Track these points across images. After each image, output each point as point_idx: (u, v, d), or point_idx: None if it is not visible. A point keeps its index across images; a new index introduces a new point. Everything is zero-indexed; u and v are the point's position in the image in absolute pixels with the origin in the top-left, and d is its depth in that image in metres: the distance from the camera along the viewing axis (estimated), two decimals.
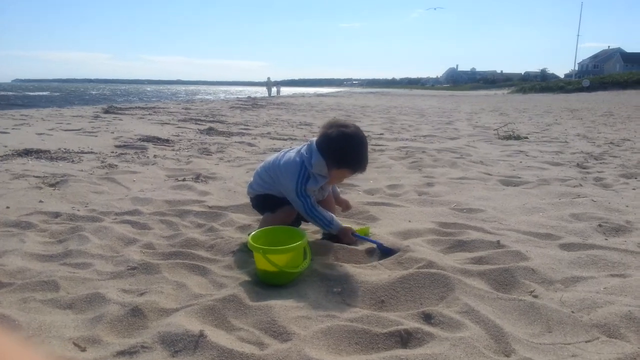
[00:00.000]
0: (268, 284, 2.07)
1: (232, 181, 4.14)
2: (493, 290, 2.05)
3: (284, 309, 1.79)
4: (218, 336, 1.59)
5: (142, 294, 1.93)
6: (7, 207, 3.10)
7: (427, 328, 1.69)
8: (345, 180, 3.13)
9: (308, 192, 2.43)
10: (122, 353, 1.51)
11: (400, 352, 1.53)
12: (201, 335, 1.55)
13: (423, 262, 2.24)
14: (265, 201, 2.59)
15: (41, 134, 7.12)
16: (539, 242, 2.72)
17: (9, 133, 7.10)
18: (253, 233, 2.26)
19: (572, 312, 1.86)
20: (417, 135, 8.61)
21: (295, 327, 1.68)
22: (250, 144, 6.80)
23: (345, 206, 2.91)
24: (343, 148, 2.37)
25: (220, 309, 1.79)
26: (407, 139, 7.88)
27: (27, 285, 1.97)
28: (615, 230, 2.93)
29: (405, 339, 1.64)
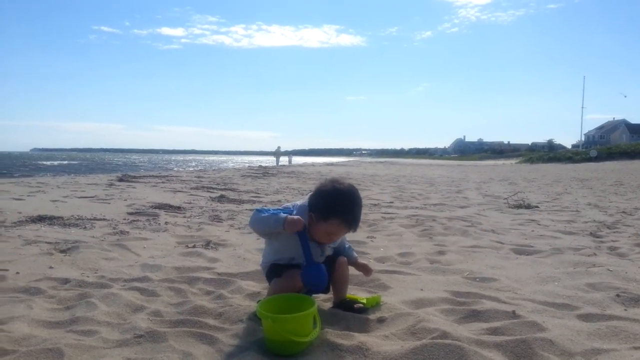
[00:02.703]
0: (277, 353, 2.00)
1: (241, 248, 4.13)
2: None
3: None
4: None
5: None
6: (17, 273, 3.10)
7: None
8: (356, 248, 3.09)
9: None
10: None
11: None
12: None
13: (437, 333, 2.18)
14: (272, 270, 2.58)
15: (55, 200, 7.24)
16: (556, 312, 2.63)
17: (24, 200, 7.23)
18: (262, 300, 2.22)
19: None
20: (427, 203, 8.61)
21: None
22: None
23: (365, 270, 2.73)
24: (333, 200, 2.38)
25: None
26: (416, 207, 7.88)
27: (31, 353, 1.92)
28: (635, 301, 2.84)
29: None
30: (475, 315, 2.53)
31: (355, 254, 2.79)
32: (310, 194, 2.53)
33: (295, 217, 2.35)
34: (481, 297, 2.83)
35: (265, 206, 3.79)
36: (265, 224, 2.41)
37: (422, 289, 3.01)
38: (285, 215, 2.36)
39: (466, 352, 1.95)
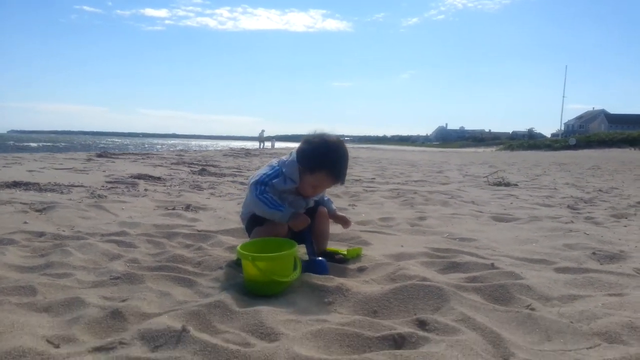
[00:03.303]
0: (257, 294, 1.99)
1: (223, 211, 4.08)
2: (489, 303, 1.98)
3: (272, 312, 1.71)
4: (201, 335, 1.50)
5: (123, 300, 1.84)
6: None
7: (421, 333, 1.62)
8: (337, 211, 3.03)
9: (270, 185, 2.36)
10: (98, 349, 1.42)
11: (395, 351, 1.45)
12: (184, 330, 1.47)
13: (416, 278, 2.19)
14: (254, 219, 2.53)
15: (32, 170, 7.07)
16: (534, 266, 2.67)
17: None
18: (243, 243, 2.20)
19: (571, 322, 1.80)
20: (409, 180, 8.66)
21: (283, 328, 1.60)
22: (242, 183, 6.78)
23: (344, 222, 2.70)
24: (320, 152, 2.34)
25: (205, 314, 1.70)
26: (398, 183, 7.91)
27: (2, 290, 1.87)
28: (610, 258, 2.89)
29: (399, 342, 1.56)
30: (454, 267, 2.55)
31: (334, 207, 2.76)
32: (297, 148, 2.49)
33: (302, 215, 2.34)
34: (460, 253, 2.85)
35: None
36: (268, 215, 2.35)
37: (402, 245, 3.02)
38: (291, 211, 2.33)
39: (445, 292, 1.96)
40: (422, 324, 1.71)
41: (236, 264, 2.32)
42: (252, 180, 2.44)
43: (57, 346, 1.45)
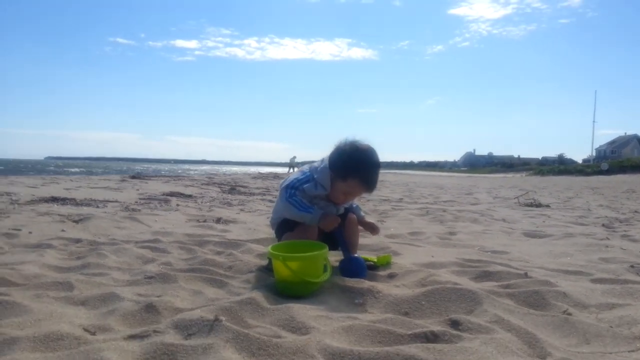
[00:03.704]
0: (287, 295, 1.99)
1: (253, 224, 4.13)
2: (523, 307, 1.94)
3: (303, 309, 1.71)
4: (234, 326, 1.52)
5: (157, 297, 1.87)
6: (30, 232, 3.13)
7: (454, 332, 1.59)
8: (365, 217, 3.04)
9: (300, 190, 2.36)
10: (132, 337, 1.44)
11: (428, 345, 1.43)
12: (216, 320, 1.48)
13: (448, 283, 2.15)
14: (285, 225, 2.54)
15: (68, 189, 7.31)
16: (569, 277, 2.59)
17: (37, 188, 7.31)
18: (273, 245, 2.22)
19: (611, 326, 1.74)
20: (437, 200, 8.57)
21: (314, 323, 1.60)
22: (271, 201, 6.84)
23: (372, 228, 2.66)
24: (353, 159, 2.33)
25: (237, 310, 1.71)
26: (426, 203, 7.84)
27: (41, 285, 1.94)
28: None
29: (431, 339, 1.53)
30: (487, 276, 2.50)
31: (362, 213, 2.75)
32: (329, 154, 2.48)
33: (332, 216, 2.35)
34: (492, 263, 2.79)
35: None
36: (298, 217, 2.37)
37: (432, 256, 2.98)
38: (320, 212, 2.34)
39: (479, 296, 1.93)
40: (455, 324, 1.68)
41: (267, 269, 2.34)
42: (282, 185, 2.47)
43: (93, 333, 1.48)
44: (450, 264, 2.74)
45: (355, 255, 2.38)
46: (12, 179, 9.23)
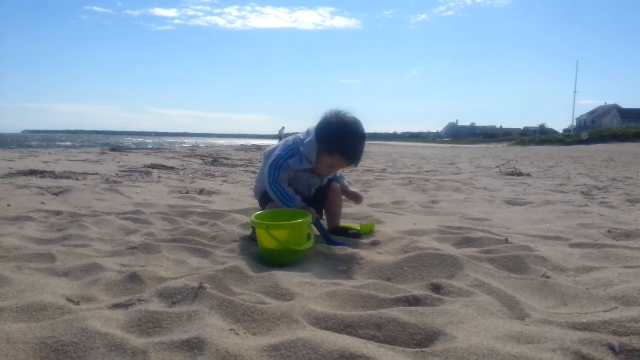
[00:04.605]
0: (271, 263, 2.00)
1: (236, 194, 4.12)
2: (504, 271, 1.98)
3: (287, 276, 1.72)
4: (218, 293, 1.52)
5: (141, 267, 1.86)
6: (9, 205, 3.07)
7: (436, 295, 1.62)
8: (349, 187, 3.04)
9: (285, 167, 2.36)
10: (117, 306, 1.44)
11: (410, 308, 1.46)
12: (201, 287, 1.49)
13: (431, 250, 2.18)
14: (268, 195, 2.53)
15: (47, 162, 7.17)
16: (548, 242, 2.65)
17: (15, 161, 7.15)
18: (256, 214, 2.21)
19: (588, 288, 1.79)
20: (420, 170, 8.64)
21: (299, 289, 1.61)
22: (254, 172, 6.81)
23: (356, 198, 2.69)
24: (339, 133, 2.32)
25: (222, 278, 1.72)
26: (409, 173, 7.89)
27: (22, 257, 1.91)
28: (626, 236, 2.87)
29: (413, 303, 1.56)
30: (468, 242, 2.54)
31: (346, 183, 2.76)
32: (316, 126, 2.44)
33: (309, 209, 2.33)
34: (474, 230, 2.84)
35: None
36: (279, 198, 2.36)
37: (415, 224, 3.01)
38: (300, 206, 2.33)
39: (460, 261, 1.96)
40: (436, 288, 1.71)
41: (251, 238, 2.34)
42: (268, 162, 2.42)
43: (77, 303, 1.48)
44: (432, 232, 2.77)
45: (340, 241, 2.37)
46: None
